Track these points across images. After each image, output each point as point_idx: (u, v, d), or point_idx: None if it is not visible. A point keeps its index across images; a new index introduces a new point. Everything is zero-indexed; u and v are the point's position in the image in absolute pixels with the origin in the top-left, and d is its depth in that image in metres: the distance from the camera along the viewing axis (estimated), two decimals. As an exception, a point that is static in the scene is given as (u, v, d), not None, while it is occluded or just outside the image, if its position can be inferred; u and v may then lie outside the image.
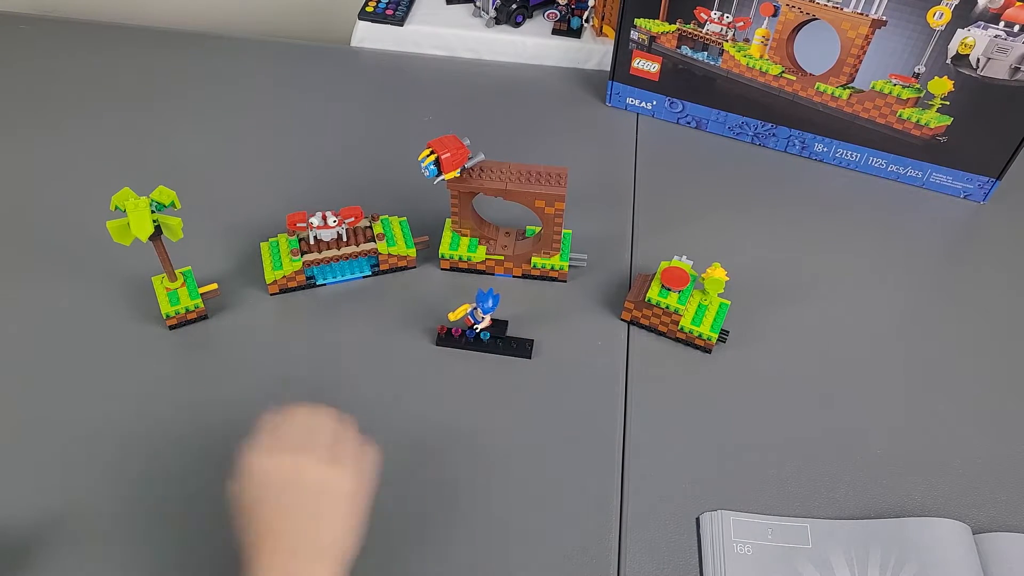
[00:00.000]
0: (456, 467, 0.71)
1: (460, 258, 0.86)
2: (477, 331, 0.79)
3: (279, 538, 0.55)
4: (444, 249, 0.86)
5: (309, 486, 0.56)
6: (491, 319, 0.78)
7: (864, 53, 0.91)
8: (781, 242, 0.93)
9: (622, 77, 1.07)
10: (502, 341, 0.80)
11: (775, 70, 0.97)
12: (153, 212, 0.72)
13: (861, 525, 0.68)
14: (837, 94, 0.96)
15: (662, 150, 1.04)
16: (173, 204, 0.73)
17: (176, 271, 0.80)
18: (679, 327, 0.80)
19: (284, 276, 0.83)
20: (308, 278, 0.84)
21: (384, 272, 0.87)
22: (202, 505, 0.67)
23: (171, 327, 0.81)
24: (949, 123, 0.93)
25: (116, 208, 0.72)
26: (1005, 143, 0.91)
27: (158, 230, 0.74)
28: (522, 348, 0.79)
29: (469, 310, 0.77)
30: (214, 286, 0.82)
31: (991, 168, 0.95)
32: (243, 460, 0.57)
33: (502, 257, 0.86)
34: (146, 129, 1.04)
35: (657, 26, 1.00)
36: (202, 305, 0.81)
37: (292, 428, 0.59)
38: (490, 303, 0.76)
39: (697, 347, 0.81)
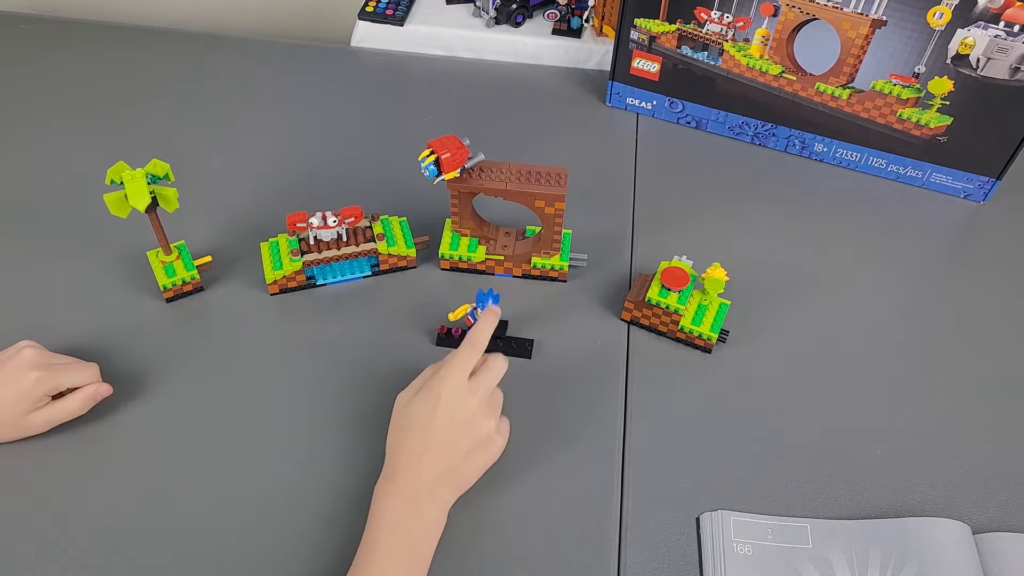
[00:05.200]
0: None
1: (460, 258, 0.86)
2: None
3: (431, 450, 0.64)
4: (444, 249, 0.86)
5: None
6: None
7: (864, 53, 0.91)
8: (781, 242, 0.93)
9: (622, 77, 1.07)
10: (502, 341, 0.80)
11: (775, 70, 0.97)
12: (148, 184, 0.73)
13: (861, 525, 0.68)
14: (837, 94, 0.96)
15: (662, 150, 1.04)
16: (168, 176, 0.74)
17: (171, 244, 0.81)
18: (679, 327, 0.80)
19: (284, 276, 0.83)
20: (308, 278, 0.84)
21: (384, 272, 0.87)
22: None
23: (168, 300, 0.82)
24: (949, 123, 0.93)
25: (112, 182, 0.73)
26: (1005, 143, 0.91)
27: (154, 202, 0.75)
28: (522, 348, 0.80)
29: (469, 310, 0.77)
30: (208, 258, 0.83)
31: (991, 168, 0.95)
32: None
33: (502, 257, 0.86)
34: (146, 129, 1.04)
35: (657, 26, 1.00)
36: (198, 277, 0.82)
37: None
38: (490, 303, 0.75)
39: (697, 347, 0.81)
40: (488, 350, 0.75)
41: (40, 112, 1.06)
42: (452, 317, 0.77)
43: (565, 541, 0.67)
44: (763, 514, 0.69)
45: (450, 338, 0.80)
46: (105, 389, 0.72)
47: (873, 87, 0.94)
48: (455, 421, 0.65)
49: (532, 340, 0.80)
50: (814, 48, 0.94)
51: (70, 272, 0.86)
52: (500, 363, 0.69)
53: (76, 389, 0.71)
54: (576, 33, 1.16)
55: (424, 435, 0.64)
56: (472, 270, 0.87)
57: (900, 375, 0.80)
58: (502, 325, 0.80)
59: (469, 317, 0.77)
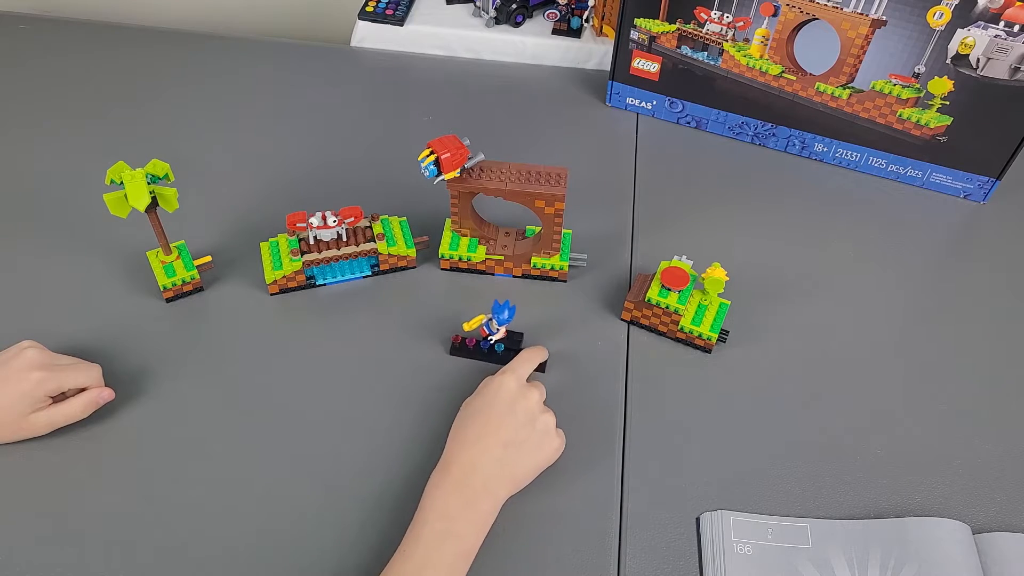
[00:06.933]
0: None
1: (460, 258, 0.86)
2: (491, 342, 0.78)
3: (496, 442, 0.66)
4: (444, 249, 0.86)
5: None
6: (506, 330, 0.78)
7: (864, 53, 0.91)
8: (781, 242, 0.93)
9: (622, 77, 1.07)
10: (516, 354, 0.78)
11: (775, 70, 0.97)
12: (148, 184, 0.73)
13: (861, 525, 0.68)
14: (837, 94, 0.96)
15: (662, 150, 1.04)
16: (167, 176, 0.74)
17: (171, 244, 0.81)
18: (679, 327, 0.80)
19: (284, 276, 0.83)
20: (308, 278, 0.84)
21: (384, 272, 0.87)
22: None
23: (168, 300, 0.82)
24: (949, 123, 0.93)
25: (111, 182, 0.73)
26: (1005, 143, 0.91)
27: (154, 202, 0.75)
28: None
29: (484, 321, 0.77)
30: (208, 258, 0.83)
31: (991, 168, 0.95)
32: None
33: (502, 257, 0.86)
34: (146, 129, 1.04)
35: (657, 26, 1.00)
36: (198, 276, 0.82)
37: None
38: (506, 315, 0.75)
39: (697, 347, 0.81)
40: (503, 361, 0.76)
41: (40, 112, 1.06)
42: (467, 327, 0.77)
43: (565, 541, 0.67)
44: (763, 514, 0.69)
45: (464, 348, 0.79)
46: (108, 394, 0.72)
47: (873, 87, 0.94)
48: (515, 410, 0.67)
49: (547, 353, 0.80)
50: (814, 48, 0.94)
51: (70, 272, 0.86)
52: (543, 387, 0.72)
53: (78, 390, 0.71)
54: (576, 33, 1.16)
55: (483, 422, 0.67)
56: (472, 270, 0.87)
57: (900, 375, 0.80)
58: (517, 337, 0.80)
59: (484, 328, 0.77)
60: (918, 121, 0.94)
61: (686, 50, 1.01)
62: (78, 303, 0.83)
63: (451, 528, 0.61)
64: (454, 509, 0.62)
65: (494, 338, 0.77)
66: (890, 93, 0.93)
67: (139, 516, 0.67)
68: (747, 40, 0.97)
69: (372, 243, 0.85)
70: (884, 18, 0.88)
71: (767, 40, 0.96)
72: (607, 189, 0.98)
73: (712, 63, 1.00)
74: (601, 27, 1.15)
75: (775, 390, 0.78)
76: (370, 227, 0.86)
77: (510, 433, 0.66)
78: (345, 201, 0.84)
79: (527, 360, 0.74)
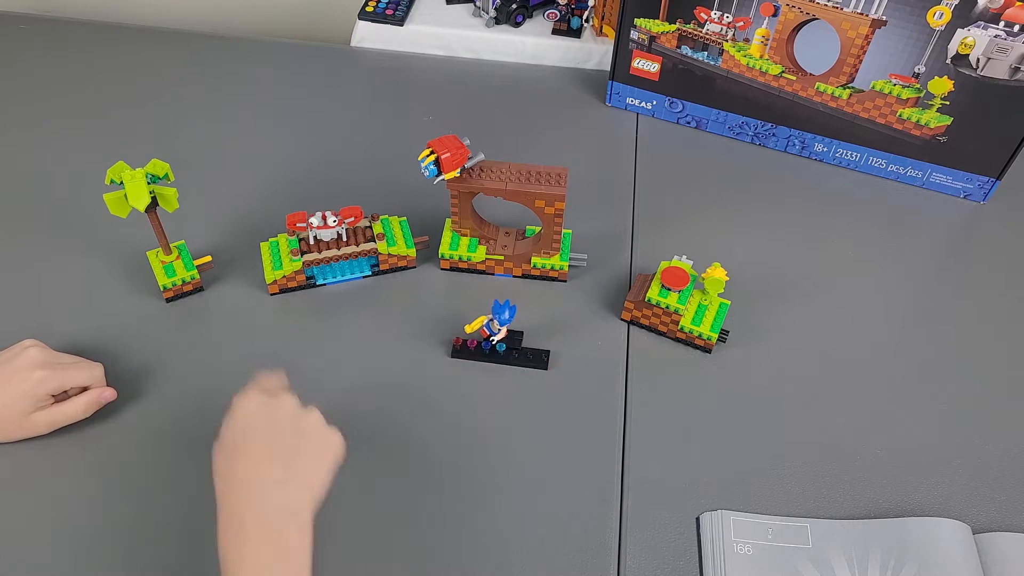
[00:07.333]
0: (455, 466, 0.71)
1: (460, 258, 0.86)
2: (493, 343, 0.78)
3: (258, 468, 0.57)
4: (444, 249, 0.86)
5: (287, 421, 0.60)
6: (507, 330, 0.78)
7: (864, 53, 0.91)
8: (781, 242, 0.93)
9: (622, 77, 1.07)
10: (518, 352, 0.79)
11: (775, 70, 0.97)
12: (148, 184, 0.74)
13: (861, 525, 0.68)
14: (837, 94, 0.96)
15: (662, 150, 1.04)
16: (167, 176, 0.75)
17: (171, 244, 0.81)
18: (679, 327, 0.80)
19: (284, 276, 0.83)
20: (308, 278, 0.84)
21: (384, 272, 0.87)
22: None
23: (168, 300, 0.82)
24: (949, 123, 0.93)
25: (111, 182, 0.74)
26: (1005, 143, 0.91)
27: (154, 202, 0.75)
28: (538, 359, 0.79)
29: (485, 322, 0.77)
30: (208, 258, 0.83)
31: (991, 168, 0.95)
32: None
33: (502, 257, 0.86)
34: (146, 129, 1.04)
35: (657, 26, 1.00)
36: (198, 276, 0.82)
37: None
38: (507, 315, 0.75)
39: (697, 347, 0.81)
40: (504, 362, 0.76)
41: (40, 112, 1.06)
42: (468, 329, 0.77)
43: (565, 541, 0.67)
44: (763, 514, 0.69)
45: (466, 350, 0.79)
46: (110, 394, 0.72)
47: (873, 87, 0.93)
48: (274, 423, 0.59)
49: (548, 351, 0.80)
50: (814, 48, 0.94)
51: (70, 272, 0.86)
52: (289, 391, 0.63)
53: (80, 389, 0.71)
54: (576, 33, 1.16)
55: (247, 453, 0.58)
56: (472, 270, 0.87)
57: (900, 375, 0.80)
58: (518, 336, 0.80)
59: (484, 328, 0.77)
60: (918, 121, 0.94)
61: (686, 50, 1.01)
62: (78, 303, 0.83)
63: None
64: (263, 558, 0.53)
65: (495, 338, 0.77)
66: (890, 93, 0.93)
67: (139, 516, 0.67)
68: (747, 40, 0.97)
69: (372, 243, 0.85)
70: (884, 18, 0.88)
71: (767, 40, 0.96)
72: (607, 189, 0.98)
73: (712, 63, 1.00)
74: (601, 27, 1.15)
75: (775, 390, 0.78)
76: (370, 227, 0.86)
77: (281, 443, 0.58)
78: (345, 201, 0.84)
79: (265, 376, 0.64)
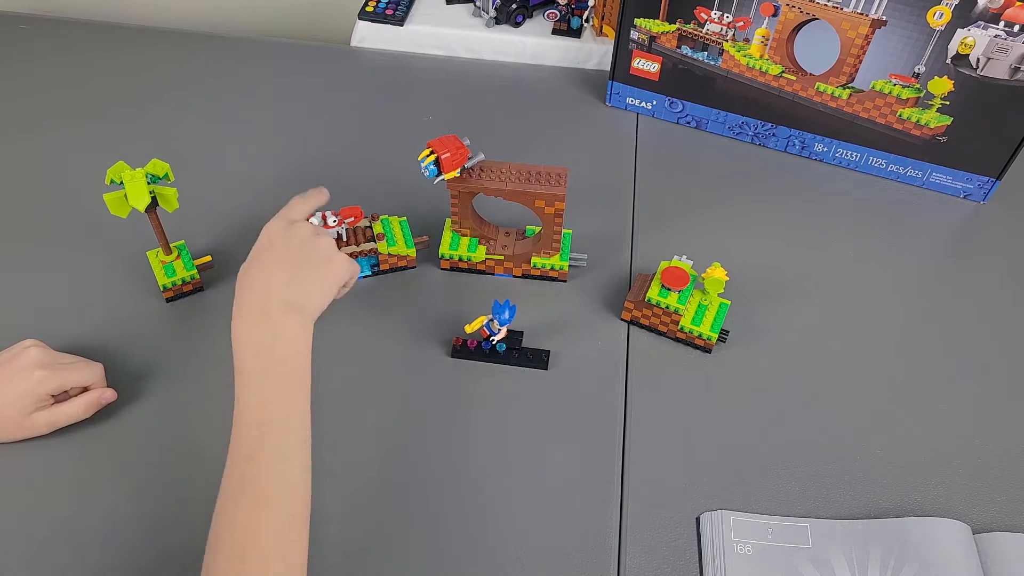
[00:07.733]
0: (455, 465, 0.71)
1: (460, 258, 0.86)
2: (493, 343, 0.78)
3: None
4: (444, 249, 0.86)
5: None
6: (507, 330, 0.78)
7: (864, 53, 0.91)
8: (781, 242, 0.93)
9: (622, 77, 1.07)
10: (518, 352, 0.79)
11: (775, 70, 0.97)
12: (148, 184, 0.74)
13: (861, 525, 0.68)
14: (837, 94, 0.96)
15: (662, 150, 1.04)
16: (167, 176, 0.75)
17: (171, 244, 0.81)
18: (679, 327, 0.80)
19: (284, 276, 0.83)
20: (308, 278, 0.84)
21: (384, 272, 0.87)
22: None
23: (168, 300, 0.82)
24: (949, 123, 0.93)
25: (111, 182, 0.74)
26: (1005, 143, 0.91)
27: (154, 202, 0.75)
28: (538, 359, 0.79)
29: (485, 322, 0.77)
30: (208, 258, 0.83)
31: (991, 168, 0.95)
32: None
33: (502, 257, 0.86)
34: (145, 128, 1.04)
35: (657, 26, 1.00)
36: (198, 276, 0.83)
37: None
38: (507, 315, 0.75)
39: (697, 347, 0.81)
40: (504, 362, 0.76)
41: (40, 112, 1.06)
42: (468, 329, 0.77)
43: (565, 541, 0.67)
44: (763, 514, 0.69)
45: (465, 350, 0.79)
46: (110, 394, 0.72)
47: (873, 87, 0.94)
48: (288, 238, 0.67)
49: (548, 351, 0.80)
50: (814, 48, 0.94)
51: (70, 272, 0.86)
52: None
53: (80, 389, 0.71)
54: (576, 33, 1.16)
55: (262, 261, 0.66)
56: (472, 270, 0.87)
57: (900, 375, 0.80)
58: (518, 336, 0.80)
59: (484, 328, 0.77)
60: (918, 121, 0.94)
61: (686, 50, 1.01)
62: (78, 303, 0.83)
63: (270, 359, 0.61)
64: (264, 337, 0.62)
65: (495, 338, 0.77)
66: (890, 93, 0.93)
67: (139, 516, 0.67)
68: (747, 40, 0.97)
69: (372, 243, 0.85)
70: (884, 18, 0.88)
71: (767, 40, 0.96)
72: (607, 189, 0.98)
73: (712, 63, 1.00)
74: (601, 27, 1.15)
75: (775, 390, 0.78)
76: (370, 227, 0.86)
77: (291, 256, 0.66)
78: (345, 201, 0.84)
79: (294, 204, 0.72)
